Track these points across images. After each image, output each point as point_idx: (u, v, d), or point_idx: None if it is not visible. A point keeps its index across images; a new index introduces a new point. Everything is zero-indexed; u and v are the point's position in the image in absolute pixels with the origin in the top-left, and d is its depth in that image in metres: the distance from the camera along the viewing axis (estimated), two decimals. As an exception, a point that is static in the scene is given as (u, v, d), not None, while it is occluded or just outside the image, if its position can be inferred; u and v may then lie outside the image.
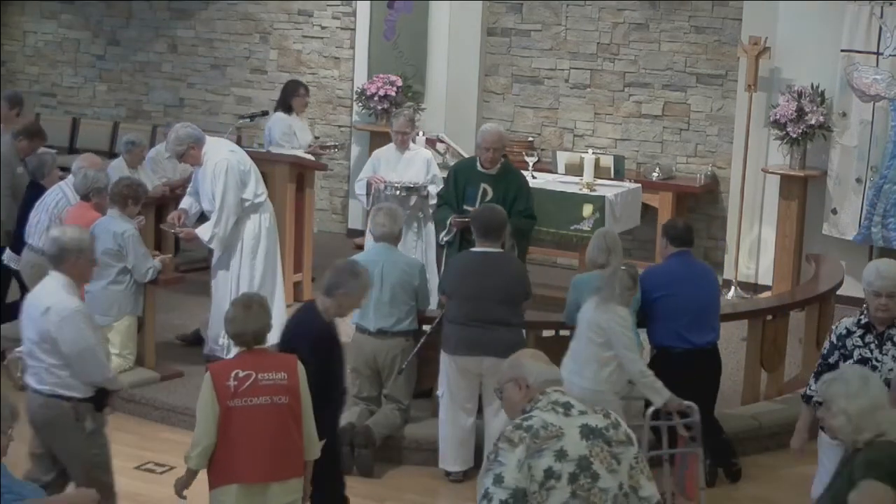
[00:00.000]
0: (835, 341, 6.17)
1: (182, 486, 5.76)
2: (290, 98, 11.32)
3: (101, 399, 6.35)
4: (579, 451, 4.35)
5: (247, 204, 9.06)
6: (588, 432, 4.40)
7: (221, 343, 8.97)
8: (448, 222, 8.67)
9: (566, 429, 4.37)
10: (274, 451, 5.58)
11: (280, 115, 11.33)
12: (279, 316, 8.10)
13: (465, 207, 8.61)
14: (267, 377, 5.56)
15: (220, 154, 9.01)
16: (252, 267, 9.14)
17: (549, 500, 4.30)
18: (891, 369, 5.93)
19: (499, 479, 4.29)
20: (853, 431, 4.54)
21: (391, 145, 10.16)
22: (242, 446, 5.52)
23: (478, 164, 8.76)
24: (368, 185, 10.01)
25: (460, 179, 8.79)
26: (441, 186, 9.41)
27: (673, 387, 7.54)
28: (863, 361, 5.99)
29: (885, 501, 4.39)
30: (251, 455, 5.51)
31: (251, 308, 5.70)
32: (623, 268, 7.21)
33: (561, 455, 4.32)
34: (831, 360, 6.13)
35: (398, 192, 9.65)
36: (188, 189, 9.40)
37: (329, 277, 6.42)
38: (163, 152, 10.81)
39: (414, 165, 10.00)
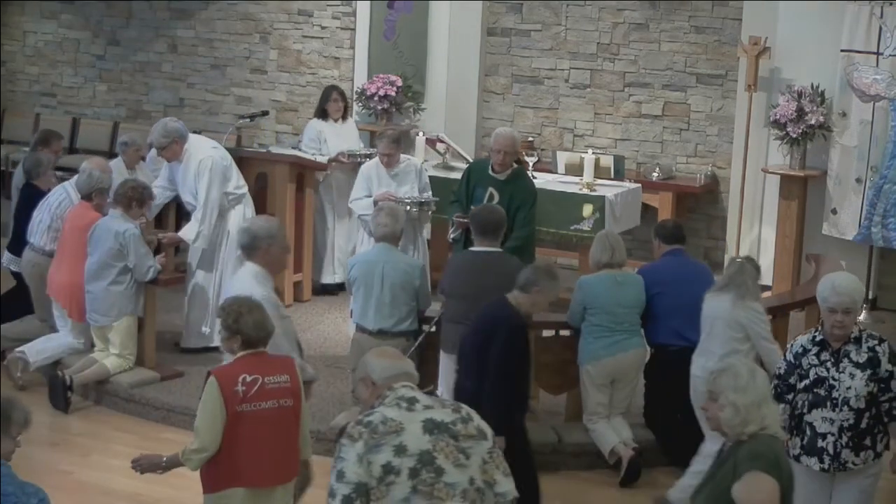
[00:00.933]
0: (791, 360, 5.93)
1: (158, 469, 5.73)
2: (325, 103, 11.02)
3: None
4: (421, 446, 4.35)
5: (230, 197, 9.32)
6: (432, 427, 4.39)
7: (205, 331, 9.23)
8: (452, 220, 8.70)
9: (407, 424, 4.37)
10: (280, 454, 5.56)
11: (313, 121, 11.07)
12: None
13: (473, 208, 8.58)
14: (272, 381, 5.54)
15: (204, 151, 9.22)
16: (235, 259, 9.17)
17: (390, 495, 4.29)
18: (848, 388, 5.75)
19: (341, 475, 4.33)
20: (740, 424, 4.52)
21: (377, 161, 9.79)
22: (250, 450, 5.47)
23: (490, 167, 8.75)
24: (376, 202, 9.48)
25: (472, 179, 8.81)
26: (430, 193, 9.73)
27: (671, 385, 7.57)
28: (819, 381, 5.81)
29: (771, 493, 4.39)
30: (259, 459, 5.48)
31: (259, 311, 5.66)
32: (746, 261, 7.44)
33: (400, 450, 4.32)
34: (791, 381, 5.91)
35: (409, 209, 9.32)
36: (157, 181, 9.58)
37: (526, 275, 6.74)
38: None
39: (407, 180, 9.72)
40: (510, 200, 8.57)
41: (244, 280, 6.48)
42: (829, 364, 5.82)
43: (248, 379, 5.50)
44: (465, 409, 4.54)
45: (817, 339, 5.87)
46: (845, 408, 5.78)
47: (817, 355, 5.85)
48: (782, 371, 5.94)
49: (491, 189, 8.68)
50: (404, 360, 4.70)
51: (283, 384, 5.58)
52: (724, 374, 4.62)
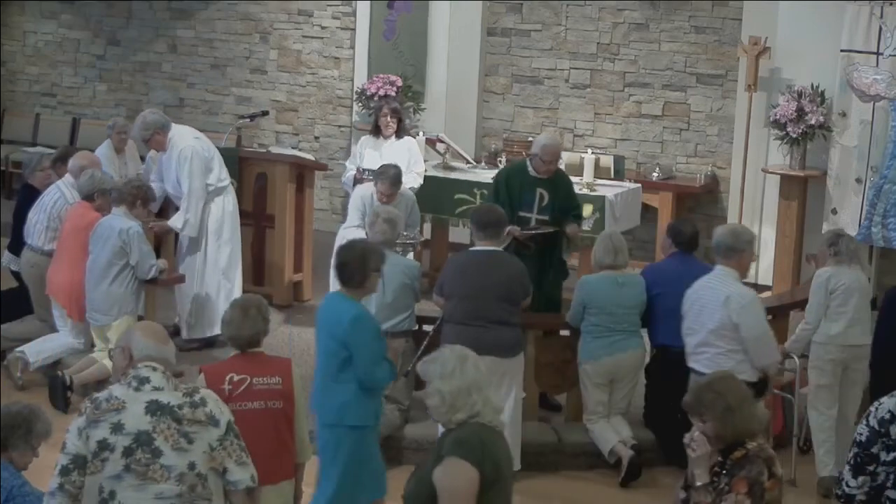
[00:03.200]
0: (876, 427, 5.00)
1: None
2: (376, 119, 10.27)
3: (762, 387, 7.05)
4: (139, 426, 4.41)
5: (210, 189, 9.41)
6: (155, 408, 4.44)
7: (187, 321, 9.43)
8: (506, 233, 8.53)
9: (130, 403, 4.43)
10: (266, 455, 5.53)
11: (364, 136, 10.53)
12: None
13: (522, 214, 8.56)
14: (261, 381, 5.54)
15: (185, 141, 9.34)
16: (217, 249, 9.51)
17: (104, 471, 4.37)
18: None
19: (63, 446, 4.42)
20: (448, 411, 4.46)
21: (372, 189, 9.31)
22: None
23: (529, 168, 8.61)
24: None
25: (513, 185, 8.64)
26: (419, 229, 9.58)
27: (672, 385, 7.55)
28: None
29: (468, 480, 4.33)
30: None
31: (248, 312, 5.68)
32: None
33: (117, 428, 4.38)
34: (873, 450, 5.01)
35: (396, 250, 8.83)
36: (151, 176, 9.68)
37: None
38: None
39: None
40: (561, 197, 8.63)
41: (729, 281, 7.23)
42: None
43: (236, 378, 5.53)
44: (200, 395, 4.57)
45: None
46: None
47: None
48: (864, 439, 5.04)
49: (540, 190, 8.58)
50: (168, 344, 4.71)
51: (274, 386, 5.59)
52: (433, 363, 4.56)
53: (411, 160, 9.81)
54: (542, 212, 8.58)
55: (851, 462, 5.04)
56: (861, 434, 5.05)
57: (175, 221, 9.40)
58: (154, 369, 4.53)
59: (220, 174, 9.52)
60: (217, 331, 9.24)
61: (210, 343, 9.44)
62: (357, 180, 10.02)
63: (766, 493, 4.51)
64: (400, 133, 10.06)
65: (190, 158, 9.25)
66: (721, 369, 6.27)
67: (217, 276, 9.50)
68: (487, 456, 4.38)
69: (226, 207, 9.56)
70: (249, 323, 5.65)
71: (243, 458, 4.58)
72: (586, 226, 9.85)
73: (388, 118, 10.03)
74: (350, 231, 9.29)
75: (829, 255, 7.76)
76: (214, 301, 9.44)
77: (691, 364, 7.33)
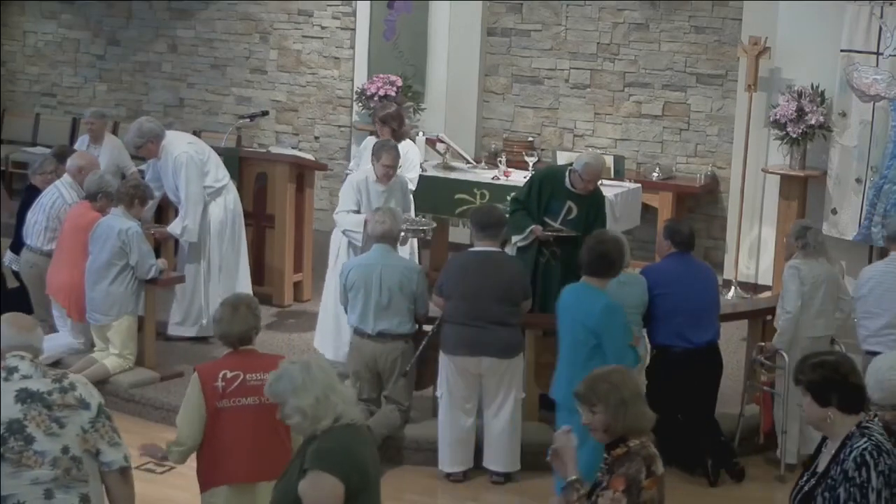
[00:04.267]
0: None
1: (156, 457, 5.85)
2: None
3: None
4: (11, 415, 4.47)
5: (209, 190, 9.48)
6: (25, 396, 4.51)
7: (203, 322, 9.45)
8: (529, 230, 8.53)
9: (2, 394, 4.49)
10: (262, 450, 5.58)
11: (367, 138, 10.46)
12: None
13: (546, 220, 8.53)
14: (255, 377, 5.56)
15: (180, 147, 9.40)
16: (220, 249, 9.57)
17: None
18: None
19: None
20: (311, 424, 4.43)
21: (367, 173, 9.09)
22: (231, 447, 5.52)
23: (567, 180, 8.52)
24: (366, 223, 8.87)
25: (545, 189, 8.60)
26: (413, 212, 9.48)
27: (672, 386, 7.57)
28: None
29: (334, 495, 4.30)
30: (239, 455, 5.52)
31: (238, 310, 5.70)
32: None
33: None
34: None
35: (404, 234, 8.80)
36: (147, 178, 9.75)
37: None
38: (115, 142, 11.06)
39: (394, 196, 9.10)
40: (588, 211, 8.54)
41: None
42: None
43: (229, 375, 5.56)
44: (70, 380, 4.63)
45: None
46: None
47: None
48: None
49: (570, 203, 8.52)
50: (33, 332, 4.76)
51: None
52: (280, 380, 4.49)
53: (406, 165, 9.78)
54: (566, 223, 8.50)
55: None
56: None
57: (174, 228, 9.46)
58: (22, 358, 4.62)
59: (216, 175, 9.55)
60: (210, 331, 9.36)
61: (202, 338, 9.52)
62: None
63: (643, 491, 4.39)
64: (399, 137, 9.90)
65: (185, 165, 9.31)
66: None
67: (220, 275, 9.53)
68: (353, 465, 4.37)
69: (227, 206, 9.61)
70: (239, 320, 5.67)
71: (116, 439, 4.67)
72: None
73: (379, 127, 9.91)
74: (343, 217, 9.07)
75: (798, 247, 8.00)
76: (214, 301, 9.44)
77: (870, 347, 7.51)
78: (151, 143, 9.36)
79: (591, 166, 8.47)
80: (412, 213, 9.54)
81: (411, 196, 9.58)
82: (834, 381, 4.39)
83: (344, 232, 9.08)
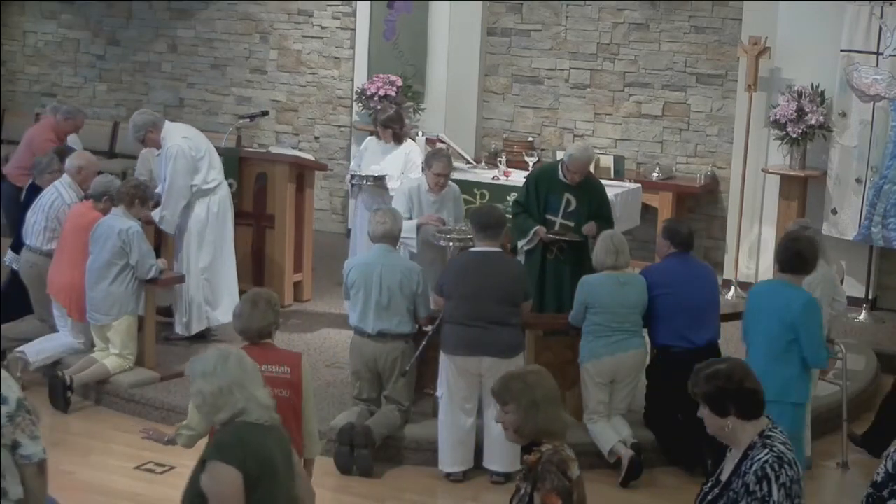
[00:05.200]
0: (890, 469, 4.77)
1: (161, 440, 5.92)
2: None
3: None
4: None
5: (194, 189, 9.41)
6: None
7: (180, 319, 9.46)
8: (533, 232, 8.63)
9: None
10: None
11: (368, 137, 10.43)
12: (232, 304, 8.19)
13: (548, 217, 8.63)
14: (270, 370, 5.57)
15: (173, 140, 9.38)
16: (199, 250, 9.50)
17: None
18: None
19: None
20: (210, 411, 4.42)
21: (420, 182, 9.00)
22: None
23: (560, 174, 8.71)
24: (419, 227, 8.92)
25: (541, 187, 8.74)
26: (463, 223, 9.33)
27: (673, 386, 7.55)
28: None
29: (231, 483, 4.29)
30: None
31: (258, 305, 5.75)
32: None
33: None
34: (884, 493, 4.78)
35: (451, 245, 8.74)
36: (138, 169, 9.93)
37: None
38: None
39: (445, 207, 9.04)
40: (589, 202, 8.67)
41: None
42: None
43: None
44: None
45: None
46: None
47: None
48: (879, 479, 4.82)
49: (567, 195, 8.67)
50: None
51: (283, 375, 5.64)
52: (196, 361, 4.52)
53: (407, 165, 9.78)
54: (568, 217, 8.62)
55: (864, 502, 4.88)
56: (878, 473, 4.86)
57: (155, 214, 9.41)
58: None
59: (207, 176, 9.45)
60: (196, 328, 9.45)
61: (202, 337, 9.49)
62: (352, 186, 9.95)
63: (571, 496, 4.37)
64: (399, 138, 9.92)
65: (175, 157, 9.29)
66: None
67: (196, 276, 9.47)
68: (250, 454, 4.35)
69: (210, 209, 9.50)
70: (259, 315, 5.72)
71: (35, 433, 4.68)
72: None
73: (381, 131, 9.90)
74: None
75: None
76: (195, 300, 9.43)
77: None
78: (151, 132, 9.34)
79: (575, 157, 8.64)
80: (462, 226, 9.49)
81: (463, 205, 9.49)
82: (728, 390, 4.34)
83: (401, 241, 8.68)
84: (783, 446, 4.32)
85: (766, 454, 4.26)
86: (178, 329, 9.50)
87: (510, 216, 8.77)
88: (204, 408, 4.44)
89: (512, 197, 9.92)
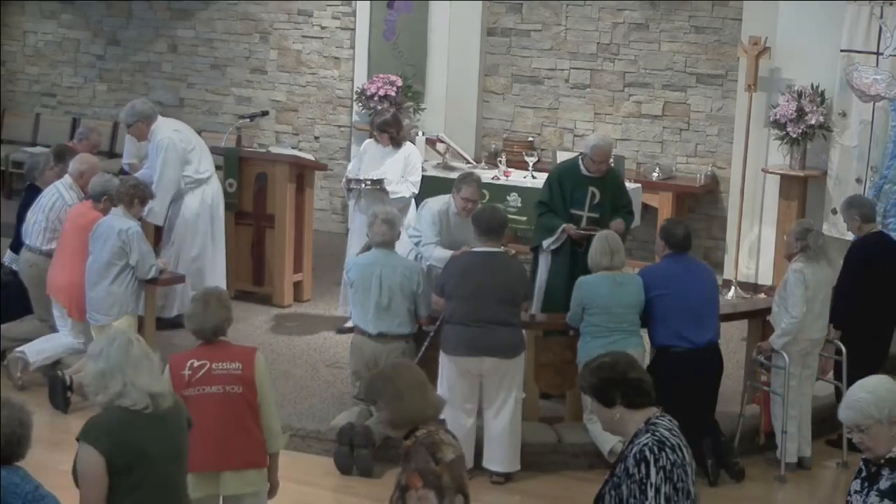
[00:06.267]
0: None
1: None
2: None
3: None
4: None
5: (188, 180, 9.61)
6: None
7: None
8: (561, 230, 8.61)
9: None
10: (225, 439, 5.63)
11: (367, 140, 10.27)
12: None
13: (573, 212, 8.65)
14: (221, 367, 5.64)
15: (164, 133, 9.58)
16: (192, 241, 9.69)
17: None
18: None
19: None
20: (92, 391, 4.58)
21: (449, 204, 8.74)
22: (195, 435, 5.49)
23: (581, 168, 8.73)
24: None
25: (565, 184, 8.74)
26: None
27: (673, 386, 7.55)
28: None
29: (91, 463, 4.46)
30: (202, 443, 5.50)
31: (209, 304, 5.75)
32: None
33: None
34: None
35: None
36: (144, 168, 9.88)
37: None
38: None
39: (469, 227, 8.60)
40: (612, 194, 8.76)
41: None
42: (861, 491, 4.46)
43: (196, 364, 5.64)
44: None
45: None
46: None
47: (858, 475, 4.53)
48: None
49: (592, 189, 8.69)
50: None
51: (234, 371, 5.67)
52: (92, 342, 4.67)
53: (407, 169, 9.74)
54: (594, 209, 8.66)
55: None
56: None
57: None
58: None
59: (199, 166, 9.67)
60: (175, 312, 9.52)
61: (177, 324, 9.23)
62: (348, 190, 9.84)
63: (440, 478, 4.42)
64: (398, 142, 9.78)
65: (165, 149, 9.48)
66: None
67: (187, 264, 9.59)
68: (117, 439, 4.47)
69: (204, 199, 9.73)
70: (211, 314, 5.73)
71: None
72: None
73: (378, 135, 9.78)
74: (429, 250, 8.59)
75: (798, 249, 8.04)
76: (183, 289, 9.56)
77: None
78: (142, 123, 9.55)
79: (598, 147, 8.67)
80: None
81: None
82: (613, 381, 4.39)
83: (430, 265, 8.54)
84: (668, 432, 4.34)
85: (647, 438, 4.30)
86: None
87: (536, 216, 8.91)
88: (90, 388, 4.60)
89: (512, 197, 9.93)
